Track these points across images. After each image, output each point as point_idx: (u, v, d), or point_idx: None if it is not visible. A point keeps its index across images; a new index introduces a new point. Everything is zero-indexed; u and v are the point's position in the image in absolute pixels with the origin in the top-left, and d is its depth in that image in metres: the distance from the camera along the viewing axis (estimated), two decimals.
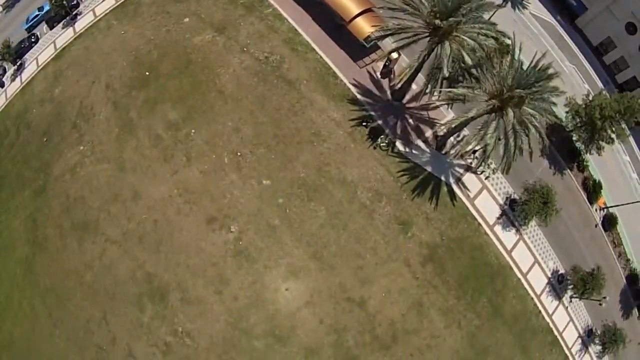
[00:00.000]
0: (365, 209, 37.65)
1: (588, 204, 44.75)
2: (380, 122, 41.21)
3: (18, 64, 53.40)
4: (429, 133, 42.06)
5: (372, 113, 41.44)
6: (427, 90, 34.83)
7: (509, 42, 34.01)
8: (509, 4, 52.26)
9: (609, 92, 47.73)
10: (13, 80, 52.77)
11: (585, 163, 45.92)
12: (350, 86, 42.35)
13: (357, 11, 40.53)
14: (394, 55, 39.50)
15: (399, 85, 39.05)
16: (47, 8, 55.06)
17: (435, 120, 42.41)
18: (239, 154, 38.58)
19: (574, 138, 44.96)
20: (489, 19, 39.32)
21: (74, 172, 42.16)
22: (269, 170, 38.32)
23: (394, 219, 37.68)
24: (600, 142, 41.99)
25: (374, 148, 40.01)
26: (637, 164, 51.08)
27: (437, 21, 30.50)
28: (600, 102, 41.47)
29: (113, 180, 40.47)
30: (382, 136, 40.39)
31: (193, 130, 39.84)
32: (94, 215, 39.82)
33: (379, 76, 43.49)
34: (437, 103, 40.24)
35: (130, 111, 42.63)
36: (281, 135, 39.49)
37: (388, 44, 39.65)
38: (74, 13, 53.33)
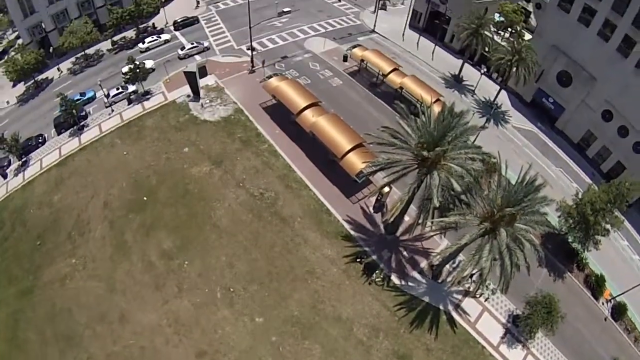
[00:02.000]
0: (362, 346, 37.55)
1: (593, 300, 44.01)
2: (374, 257, 42.32)
3: (23, 160, 55.51)
4: (424, 263, 42.94)
5: (367, 249, 42.92)
6: (420, 222, 35.53)
7: (495, 160, 36.35)
8: (492, 121, 57.26)
9: (597, 184, 50.12)
10: (16, 175, 54.58)
11: (584, 261, 45.79)
12: (344, 222, 44.53)
13: (348, 147, 44.15)
14: (386, 189, 42.01)
15: (392, 219, 40.17)
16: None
17: (430, 250, 43.75)
18: (231, 289, 39.90)
19: (570, 240, 45.28)
20: (474, 141, 42.29)
21: (64, 283, 42.87)
22: (263, 307, 38.89)
23: (392, 354, 37.38)
24: (597, 237, 42.17)
25: (370, 284, 40.61)
26: (636, 245, 50.91)
27: (425, 152, 32.02)
28: (590, 197, 42.21)
29: (102, 300, 41.12)
30: (377, 271, 41.02)
31: (186, 262, 41.59)
32: (79, 330, 39.92)
33: (372, 211, 46.09)
34: (431, 233, 40.18)
35: (125, 233, 44.54)
36: (275, 272, 41.00)
37: (379, 177, 41.37)
38: (81, 124, 56.96)
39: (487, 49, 66.20)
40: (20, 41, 77.84)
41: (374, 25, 79.89)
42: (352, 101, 58.97)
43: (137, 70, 57.35)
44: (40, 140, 57.30)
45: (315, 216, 44.89)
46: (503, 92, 66.35)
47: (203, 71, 61.11)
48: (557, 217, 45.48)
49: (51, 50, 74.88)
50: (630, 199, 45.12)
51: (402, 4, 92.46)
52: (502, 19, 77.22)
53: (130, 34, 76.76)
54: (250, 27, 61.74)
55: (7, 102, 68.49)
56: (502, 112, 64.42)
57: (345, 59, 66.84)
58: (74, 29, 70.69)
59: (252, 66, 62.89)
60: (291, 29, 75.75)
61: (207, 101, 57.04)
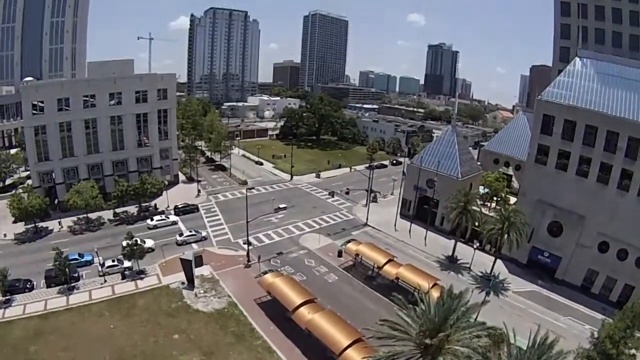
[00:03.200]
0: None
1: None
2: None
3: (7, 297, 53.33)
4: None
5: None
6: None
7: (502, 331, 35.27)
8: (491, 294, 57.46)
9: (610, 316, 47.63)
10: None
11: None
12: None
13: (347, 343, 42.81)
14: None
15: None
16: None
17: None
18: None
19: None
20: (477, 317, 40.21)
21: None
22: None
23: None
24: None
25: None
26: None
27: (427, 340, 31.13)
28: (607, 332, 40.63)
29: None
30: None
31: None
32: None
33: None
34: None
35: None
36: None
37: None
38: (72, 284, 56.64)
39: (477, 224, 69.93)
40: (30, 182, 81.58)
41: (367, 219, 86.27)
42: (349, 296, 60.08)
43: (135, 247, 59.52)
44: (28, 286, 56.01)
45: None
46: (498, 261, 68.08)
47: (199, 260, 63.97)
48: None
49: (56, 202, 78.03)
50: None
51: (392, 194, 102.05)
52: (486, 190, 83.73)
53: (133, 209, 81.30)
54: (247, 222, 66.69)
55: (5, 235, 69.07)
56: (501, 282, 66.06)
57: (340, 254, 69.90)
58: (81, 189, 75.56)
59: (248, 260, 66.17)
60: (287, 225, 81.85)
61: (202, 291, 58.29)
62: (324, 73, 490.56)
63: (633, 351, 41.05)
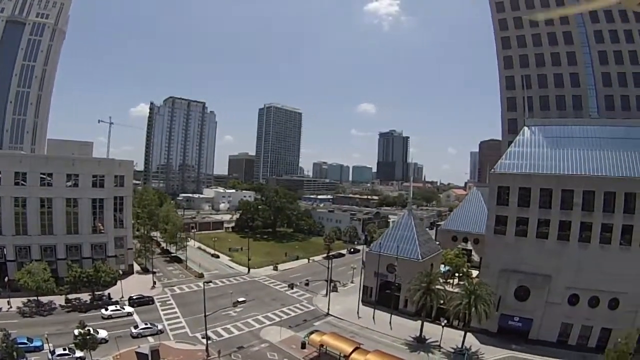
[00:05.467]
0: None
1: None
2: None
3: None
4: None
5: None
6: None
7: None
8: None
9: None
10: None
11: None
12: None
13: None
14: None
15: None
16: None
17: None
18: None
19: None
20: None
21: None
22: None
23: None
24: None
25: None
26: None
27: None
28: None
29: None
30: None
31: None
32: None
33: None
34: None
35: None
36: None
37: None
38: None
39: (442, 302, 69.55)
40: None
41: (328, 308, 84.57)
42: None
43: (88, 337, 56.66)
44: None
45: None
46: (468, 334, 67.54)
47: (155, 355, 60.64)
48: None
49: (6, 279, 73.76)
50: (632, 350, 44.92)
51: (352, 282, 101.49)
52: (448, 268, 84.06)
53: (86, 297, 77.88)
54: (205, 315, 64.87)
55: None
56: (474, 354, 65.28)
57: (303, 346, 67.80)
58: (33, 269, 72.65)
59: (207, 355, 63.58)
60: (247, 318, 79.79)
61: None
62: (279, 165, 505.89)
63: None
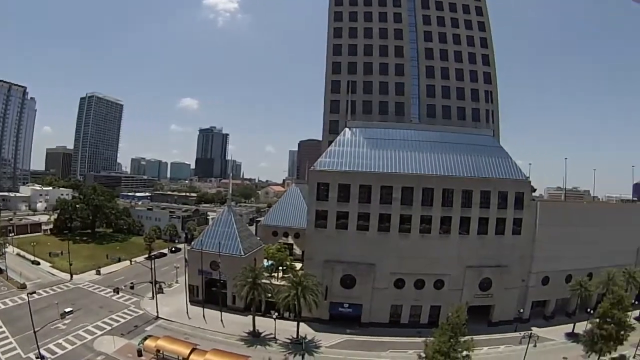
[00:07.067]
0: None
1: None
2: None
3: None
4: None
5: None
6: None
7: None
8: (306, 356, 59.45)
9: (429, 335, 52.58)
10: None
11: None
12: None
13: None
14: None
15: None
16: None
17: None
18: None
19: None
20: None
21: None
22: None
23: None
24: None
25: None
26: None
27: None
28: (434, 348, 46.33)
29: None
30: None
31: None
32: None
33: None
34: None
35: None
36: None
37: None
38: None
39: (270, 295, 71.18)
40: None
41: (157, 311, 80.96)
42: None
43: None
44: None
45: None
46: (302, 324, 69.40)
47: None
48: None
49: None
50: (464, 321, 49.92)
51: (177, 282, 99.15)
52: (271, 262, 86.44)
53: None
54: (35, 332, 58.80)
55: None
56: (311, 341, 67.54)
57: (140, 353, 64.40)
58: None
59: None
60: (77, 330, 72.98)
61: None
62: (97, 161, 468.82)
63: (465, 352, 47.95)
